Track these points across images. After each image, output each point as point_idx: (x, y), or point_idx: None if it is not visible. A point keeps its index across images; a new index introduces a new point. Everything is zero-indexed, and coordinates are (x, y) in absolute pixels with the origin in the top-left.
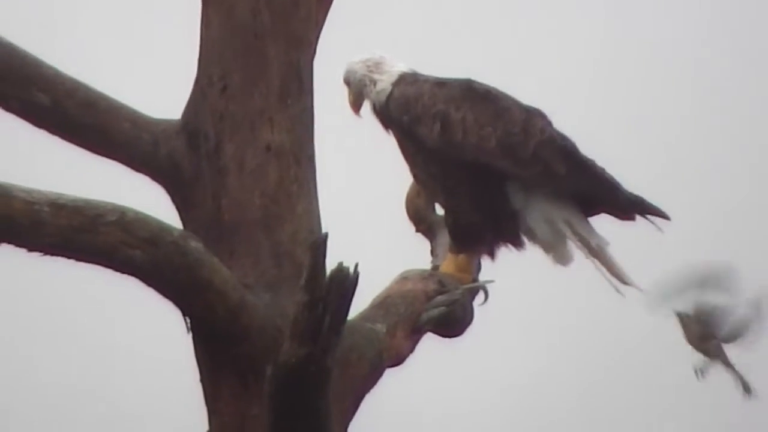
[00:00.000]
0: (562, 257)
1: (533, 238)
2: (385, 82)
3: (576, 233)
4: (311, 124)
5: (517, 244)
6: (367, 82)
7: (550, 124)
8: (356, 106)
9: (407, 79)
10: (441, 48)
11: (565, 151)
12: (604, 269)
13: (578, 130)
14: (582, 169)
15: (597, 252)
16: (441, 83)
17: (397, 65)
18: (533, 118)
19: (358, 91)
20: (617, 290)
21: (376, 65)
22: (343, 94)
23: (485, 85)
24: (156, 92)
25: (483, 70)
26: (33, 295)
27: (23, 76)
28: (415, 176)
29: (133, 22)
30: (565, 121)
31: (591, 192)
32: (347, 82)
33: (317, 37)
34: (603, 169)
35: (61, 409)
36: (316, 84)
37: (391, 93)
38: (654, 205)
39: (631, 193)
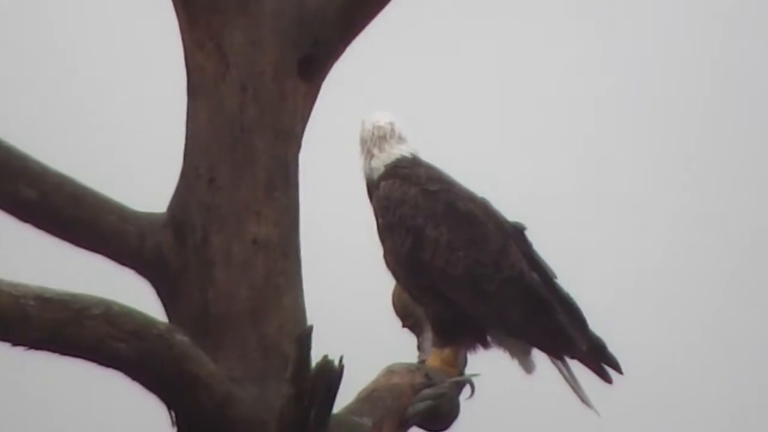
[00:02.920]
0: (526, 365)
1: (499, 345)
2: (379, 161)
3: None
4: (297, 216)
5: (486, 346)
6: (365, 151)
7: (524, 254)
8: None
9: (401, 168)
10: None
11: (529, 291)
12: (567, 383)
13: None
14: (539, 315)
15: (560, 367)
16: (427, 192)
17: (400, 146)
18: (508, 249)
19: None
20: (583, 402)
21: (380, 139)
22: (326, 189)
23: (472, 199)
24: (139, 185)
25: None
26: None
27: (10, 171)
28: (386, 261)
29: (117, 115)
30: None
31: (542, 341)
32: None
33: (303, 130)
34: (569, 306)
35: None
36: (301, 173)
37: (379, 183)
38: (612, 356)
39: (593, 337)
